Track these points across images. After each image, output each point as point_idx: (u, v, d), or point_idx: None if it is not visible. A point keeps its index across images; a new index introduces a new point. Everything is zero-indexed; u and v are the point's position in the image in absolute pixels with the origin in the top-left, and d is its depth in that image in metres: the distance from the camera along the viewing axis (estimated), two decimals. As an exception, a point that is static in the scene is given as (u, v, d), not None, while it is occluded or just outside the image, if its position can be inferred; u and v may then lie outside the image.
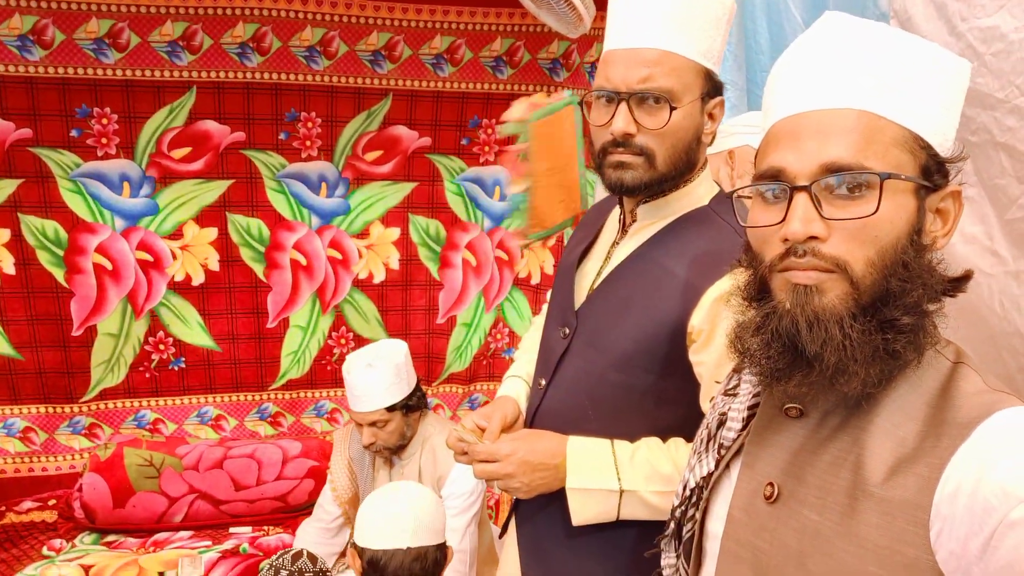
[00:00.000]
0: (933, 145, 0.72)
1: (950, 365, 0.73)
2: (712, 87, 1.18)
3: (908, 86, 0.72)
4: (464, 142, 2.75)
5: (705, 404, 1.17)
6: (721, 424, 0.90)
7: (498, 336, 2.96)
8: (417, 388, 2.24)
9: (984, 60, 0.97)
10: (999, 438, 0.64)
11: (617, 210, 1.34)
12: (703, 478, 0.90)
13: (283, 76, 2.57)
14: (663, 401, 1.22)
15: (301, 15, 2.48)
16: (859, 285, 0.71)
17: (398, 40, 2.58)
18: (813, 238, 0.71)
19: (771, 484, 0.79)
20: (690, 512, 0.92)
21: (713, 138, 1.22)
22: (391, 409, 2.14)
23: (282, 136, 2.64)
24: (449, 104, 2.69)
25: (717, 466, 0.88)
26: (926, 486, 0.66)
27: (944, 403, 0.69)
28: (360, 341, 2.82)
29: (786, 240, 0.73)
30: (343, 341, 2.85)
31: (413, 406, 2.22)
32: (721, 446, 0.88)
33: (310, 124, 2.64)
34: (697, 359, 1.16)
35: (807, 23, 1.51)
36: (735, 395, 0.91)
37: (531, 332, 1.60)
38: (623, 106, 1.15)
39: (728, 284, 1.11)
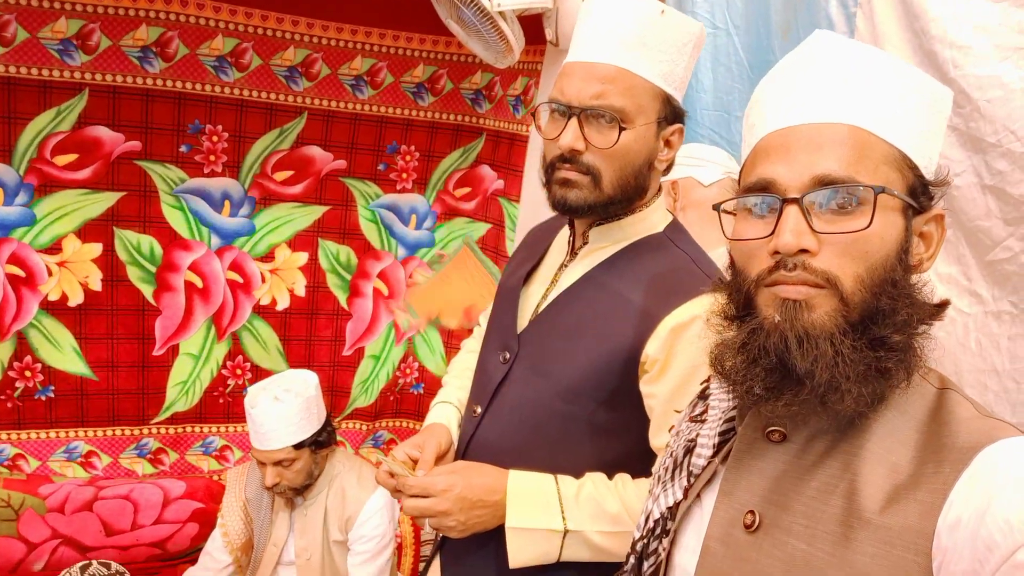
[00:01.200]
0: (919, 166, 0.72)
1: (935, 391, 0.71)
2: (671, 113, 1.15)
3: (897, 106, 0.72)
4: (381, 167, 2.66)
5: (654, 439, 1.12)
6: (689, 451, 0.85)
7: (407, 371, 2.84)
8: (327, 423, 2.10)
9: (978, 105, 1.00)
10: (1003, 470, 0.61)
11: (566, 232, 1.29)
12: (669, 508, 0.84)
13: (188, 85, 2.40)
14: (610, 433, 1.16)
15: (212, 23, 2.34)
16: (849, 302, 0.68)
17: (316, 58, 2.48)
18: (803, 252, 0.69)
19: (752, 512, 0.74)
20: (653, 545, 0.86)
21: (669, 167, 1.20)
22: (299, 447, 1.99)
23: (183, 148, 2.46)
24: (367, 127, 2.60)
25: (686, 495, 0.82)
26: (929, 512, 0.62)
27: (938, 428, 0.67)
28: (258, 372, 2.63)
29: (775, 253, 0.70)
30: (239, 371, 2.65)
31: (323, 442, 2.07)
32: (691, 474, 0.83)
33: (215, 138, 2.47)
34: (649, 390, 1.11)
35: (752, 66, 1.54)
36: (703, 421, 0.86)
37: (461, 355, 1.52)
38: (573, 121, 1.11)
39: (686, 313, 1.08)
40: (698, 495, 0.82)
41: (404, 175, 2.69)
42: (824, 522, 0.68)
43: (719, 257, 1.18)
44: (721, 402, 0.86)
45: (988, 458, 0.62)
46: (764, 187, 0.72)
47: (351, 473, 2.13)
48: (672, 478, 0.86)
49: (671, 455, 0.89)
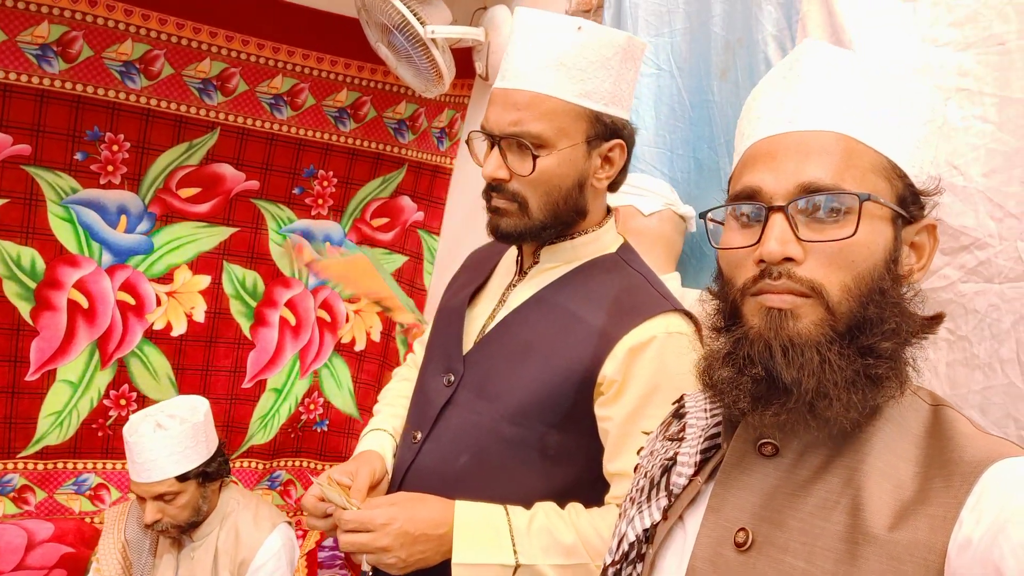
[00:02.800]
0: (910, 175, 0.72)
1: (929, 407, 0.71)
2: (603, 130, 1.12)
3: (886, 115, 0.72)
4: (296, 191, 2.55)
5: (609, 464, 1.08)
6: (667, 470, 0.82)
7: (311, 406, 2.69)
8: (219, 452, 1.93)
9: None
10: (1017, 490, 0.59)
11: (514, 251, 1.25)
12: (646, 530, 0.80)
13: (89, 89, 2.23)
14: (560, 458, 1.11)
15: (122, 26, 2.20)
16: (835, 311, 0.67)
17: (234, 72, 2.37)
18: (789, 260, 0.68)
19: (743, 530, 0.71)
20: (627, 570, 0.81)
21: (618, 182, 1.18)
22: (183, 479, 1.81)
23: (78, 156, 2.27)
24: (284, 149, 2.49)
25: (666, 516, 0.79)
26: (941, 526, 0.61)
27: (939, 444, 0.66)
28: (144, 402, 2.41)
29: (761, 262, 0.69)
30: (123, 402, 2.42)
31: (212, 474, 1.89)
32: (671, 493, 0.80)
33: (116, 147, 2.30)
34: (604, 413, 1.07)
35: (693, 106, 1.59)
36: (681, 439, 0.83)
37: (394, 383, 1.44)
38: (495, 150, 1.11)
39: (644, 333, 1.06)
40: (680, 516, 0.78)
41: (320, 200, 2.59)
42: (824, 539, 0.66)
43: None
44: (700, 420, 0.83)
45: (998, 476, 0.61)
46: (750, 195, 0.72)
47: (246, 511, 1.96)
48: (648, 499, 0.82)
49: (645, 476, 0.85)
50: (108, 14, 2.18)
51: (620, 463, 1.06)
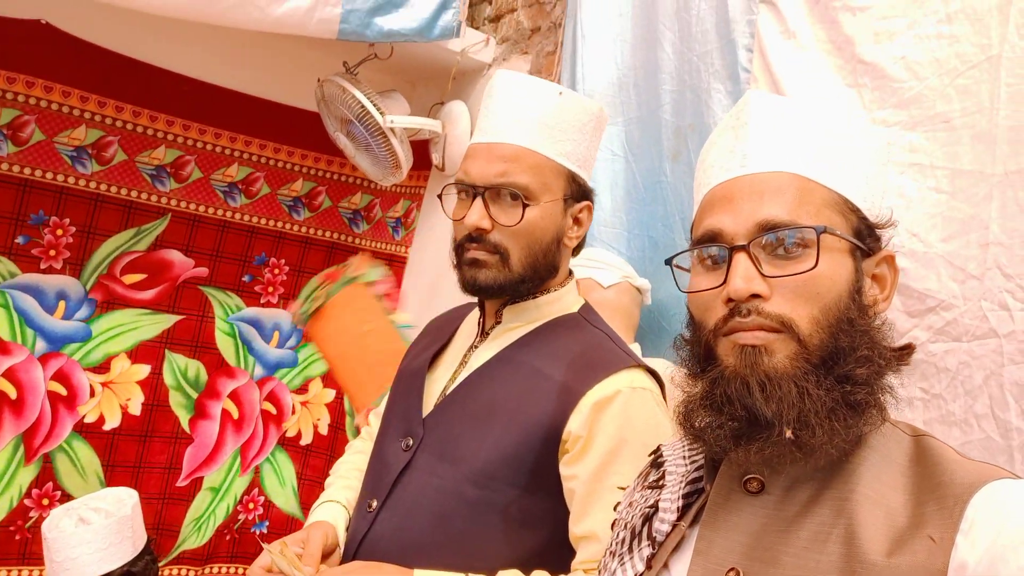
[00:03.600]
0: (862, 209, 0.75)
1: (910, 438, 0.71)
2: (577, 191, 1.17)
3: (835, 153, 0.75)
4: (246, 279, 2.51)
5: (576, 526, 1.03)
6: (648, 518, 0.79)
7: (250, 506, 2.53)
8: (147, 550, 1.77)
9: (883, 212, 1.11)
10: (1013, 515, 0.59)
11: (475, 315, 1.24)
12: (630, 581, 0.76)
13: (37, 173, 2.19)
14: (526, 522, 1.06)
15: (77, 112, 2.20)
16: (807, 344, 0.68)
17: (189, 160, 2.37)
18: (756, 296, 0.69)
19: (734, 570, 0.68)
20: (614, 626, 0.76)
21: (580, 245, 1.21)
22: (106, 579, 1.65)
23: (19, 240, 2.20)
24: (235, 236, 2.47)
25: (650, 564, 0.75)
26: (940, 548, 0.60)
27: (926, 471, 0.66)
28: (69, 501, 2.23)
29: (729, 300, 0.70)
30: (45, 502, 2.24)
31: (138, 574, 1.74)
32: (654, 541, 0.76)
33: (60, 231, 2.24)
34: (570, 471, 1.04)
35: (646, 187, 1.65)
36: (661, 487, 0.81)
37: (348, 456, 1.37)
38: (478, 200, 1.11)
39: (609, 388, 1.05)
40: (664, 564, 0.74)
41: (271, 288, 2.55)
42: (821, 571, 0.63)
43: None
44: (679, 467, 0.81)
45: (990, 499, 0.60)
46: (712, 237, 0.74)
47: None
48: (630, 550, 0.78)
49: (625, 527, 0.81)
50: (63, 100, 2.18)
51: (587, 524, 1.01)
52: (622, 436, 1.02)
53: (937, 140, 1.14)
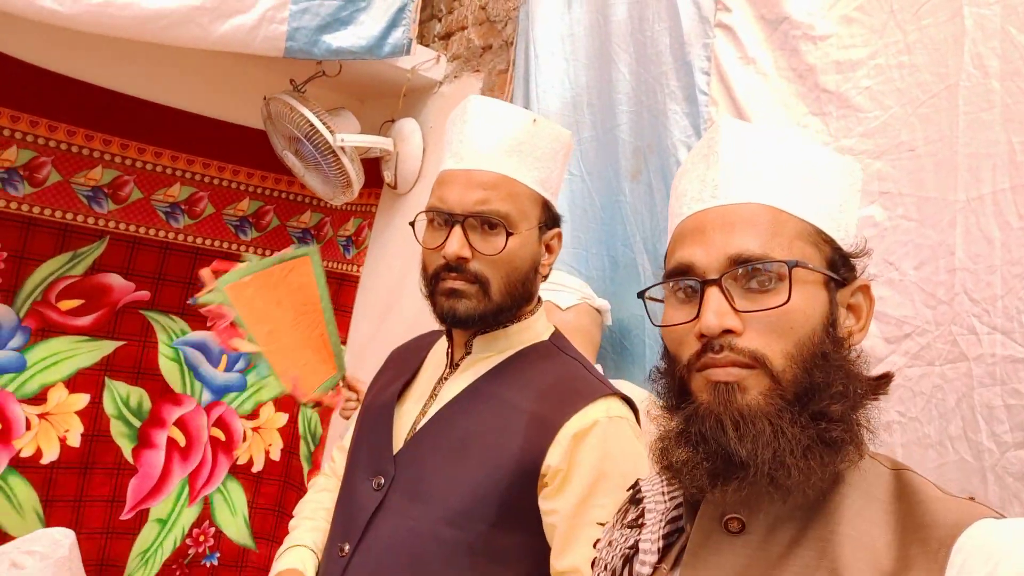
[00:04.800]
0: (835, 239, 0.74)
1: (890, 472, 0.70)
2: (550, 218, 1.16)
3: (806, 184, 0.74)
4: (191, 301, 2.42)
5: (558, 561, 1.01)
6: (628, 560, 0.78)
7: (200, 538, 2.44)
8: (92, 595, 1.70)
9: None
10: (998, 564, 0.57)
11: (443, 344, 1.21)
12: (612, 627, 0.75)
13: (-37, 196, 2.08)
14: (504, 561, 1.03)
15: (7, 133, 2.10)
16: (780, 380, 0.67)
17: (127, 180, 2.28)
18: (729, 332, 0.68)
19: None
20: (594, 671, 0.75)
21: (549, 271, 1.20)
22: (50, 627, 1.58)
23: (-55, 267, 2.08)
24: (178, 258, 2.38)
25: None
26: None
27: (909, 508, 0.65)
28: (4, 542, 2.11)
29: (702, 336, 0.69)
30: (-22, 543, 2.11)
31: (83, 621, 1.66)
32: None
33: (-10, 257, 2.13)
34: (550, 506, 1.01)
35: (603, 207, 1.65)
36: (640, 526, 0.80)
37: (312, 494, 1.33)
38: (457, 229, 1.08)
39: (587, 419, 1.03)
40: None
41: (217, 311, 2.47)
42: None
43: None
44: (658, 504, 0.80)
45: (978, 539, 0.59)
46: (684, 271, 0.73)
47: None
48: None
49: (606, 568, 0.80)
50: (-7, 119, 2.07)
51: (569, 559, 0.99)
52: (602, 468, 1.00)
53: (903, 168, 1.17)
